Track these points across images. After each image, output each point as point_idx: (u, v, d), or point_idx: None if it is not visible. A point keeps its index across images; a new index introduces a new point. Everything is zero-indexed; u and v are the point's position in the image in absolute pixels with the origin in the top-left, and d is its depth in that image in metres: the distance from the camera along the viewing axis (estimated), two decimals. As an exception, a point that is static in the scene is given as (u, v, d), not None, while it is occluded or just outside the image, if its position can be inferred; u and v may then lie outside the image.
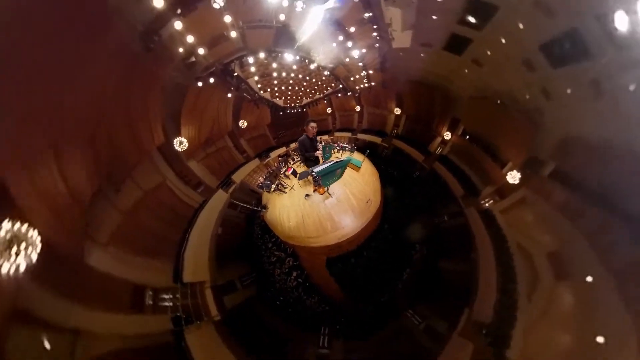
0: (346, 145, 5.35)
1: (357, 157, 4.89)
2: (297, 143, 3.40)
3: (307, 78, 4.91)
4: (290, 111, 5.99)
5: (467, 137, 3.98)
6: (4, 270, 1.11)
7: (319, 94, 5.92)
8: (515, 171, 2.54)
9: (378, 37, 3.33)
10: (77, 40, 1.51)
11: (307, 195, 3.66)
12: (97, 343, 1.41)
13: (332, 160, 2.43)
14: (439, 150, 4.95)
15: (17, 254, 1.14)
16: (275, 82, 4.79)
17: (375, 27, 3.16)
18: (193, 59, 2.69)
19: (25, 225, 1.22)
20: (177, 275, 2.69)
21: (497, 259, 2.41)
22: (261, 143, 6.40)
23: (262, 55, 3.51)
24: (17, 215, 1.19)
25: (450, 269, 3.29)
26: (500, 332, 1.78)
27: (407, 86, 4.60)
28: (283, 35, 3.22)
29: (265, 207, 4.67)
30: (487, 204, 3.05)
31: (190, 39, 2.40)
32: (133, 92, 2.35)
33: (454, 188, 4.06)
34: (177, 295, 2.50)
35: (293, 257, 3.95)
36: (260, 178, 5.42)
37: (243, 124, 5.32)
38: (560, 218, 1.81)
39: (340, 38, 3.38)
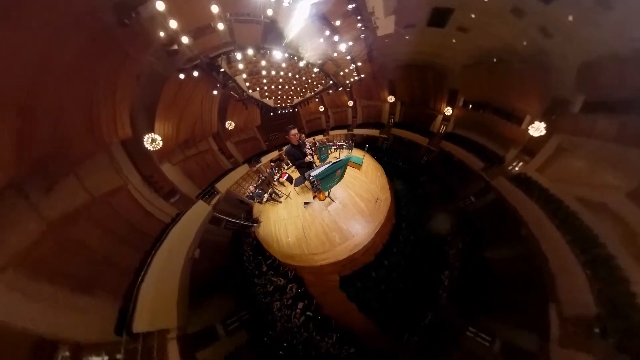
0: (343, 143, 5.42)
1: (357, 154, 4.88)
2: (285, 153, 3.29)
3: (297, 76, 5.32)
4: (281, 112, 6.21)
5: (470, 106, 4.19)
6: None
7: (310, 92, 6.35)
8: (537, 122, 2.48)
9: (363, 28, 3.87)
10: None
11: (306, 203, 3.33)
12: None
13: (330, 161, 2.26)
14: (442, 129, 5.13)
15: None
16: (265, 80, 5.08)
17: (359, 17, 3.70)
18: (175, 47, 2.75)
19: None
20: (122, 321, 1.89)
21: (560, 226, 2.04)
22: (251, 147, 6.27)
23: (250, 52, 3.79)
24: None
25: (502, 258, 2.73)
26: (627, 321, 1.25)
27: (397, 72, 5.13)
28: (271, 31, 3.59)
29: (257, 221, 4.15)
30: (516, 168, 2.85)
31: (173, 24, 2.47)
32: (98, 70, 2.16)
33: (471, 163, 3.92)
34: (118, 356, 1.67)
35: (296, 282, 3.20)
36: (251, 186, 5.07)
37: (230, 125, 5.27)
38: (619, 149, 1.63)
39: (327, 33, 3.87)
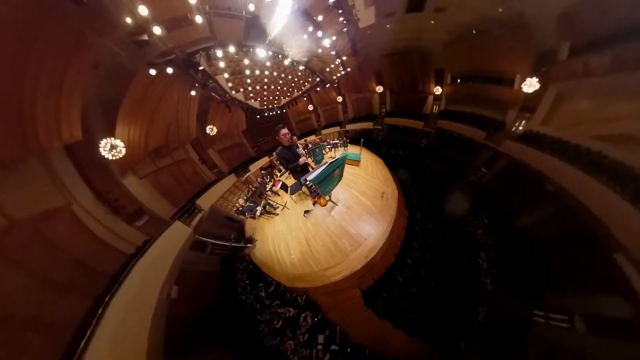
0: (337, 141, 5.46)
1: (353, 150, 4.92)
2: (276, 157, 3.13)
3: (283, 75, 5.49)
4: (268, 114, 6.17)
5: (459, 80, 4.64)
6: None
7: (297, 92, 6.54)
8: (528, 79, 2.75)
9: (345, 21, 4.29)
10: None
11: (306, 211, 3.04)
12: None
13: (326, 162, 2.17)
14: (435, 109, 5.56)
15: None
16: (249, 80, 5.11)
17: (340, 11, 4.11)
18: (145, 37, 2.57)
19: None
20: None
21: (587, 169, 2.07)
22: (237, 154, 5.94)
23: (232, 49, 3.83)
24: None
25: (537, 222, 2.66)
26: None
27: (382, 61, 5.63)
28: (254, 27, 3.72)
29: (251, 240, 3.66)
30: (520, 128, 3.04)
31: (143, 10, 2.33)
32: (38, 52, 1.78)
33: (472, 135, 4.13)
34: None
35: (310, 309, 2.68)
36: (240, 200, 4.62)
37: (212, 130, 4.98)
38: (620, 78, 1.79)
39: (310, 29, 4.18)
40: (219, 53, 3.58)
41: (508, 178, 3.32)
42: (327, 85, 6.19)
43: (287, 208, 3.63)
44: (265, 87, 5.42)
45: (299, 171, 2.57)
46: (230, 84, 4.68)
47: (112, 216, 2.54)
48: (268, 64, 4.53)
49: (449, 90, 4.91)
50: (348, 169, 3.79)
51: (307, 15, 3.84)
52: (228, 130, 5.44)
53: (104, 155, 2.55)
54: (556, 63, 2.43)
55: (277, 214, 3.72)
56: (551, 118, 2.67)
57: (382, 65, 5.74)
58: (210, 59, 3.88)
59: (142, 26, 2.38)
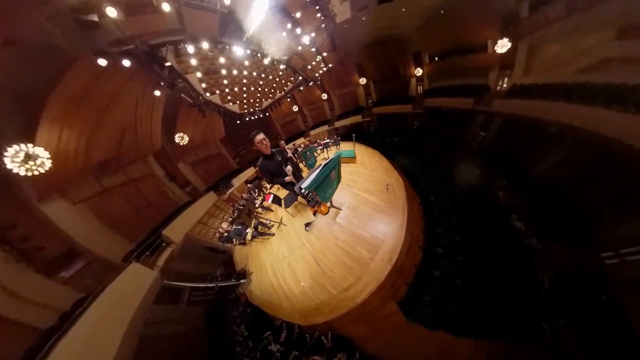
0: (328, 140, 5.50)
1: (347, 147, 4.98)
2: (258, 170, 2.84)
3: (263, 75, 5.54)
4: (249, 118, 5.94)
5: (436, 59, 5.43)
6: None
7: (280, 92, 6.62)
8: (499, 40, 3.41)
9: (322, 17, 4.75)
10: None
11: (307, 224, 2.74)
12: None
13: (320, 165, 2.05)
14: (420, 89, 6.30)
15: None
16: (226, 81, 4.94)
17: (317, 7, 4.56)
18: (95, 17, 2.20)
19: None
20: None
21: (581, 101, 2.36)
22: (216, 167, 5.30)
23: (205, 45, 3.72)
24: None
25: (554, 166, 2.86)
26: None
27: (362, 53, 6.36)
28: (230, 23, 3.76)
29: (244, 274, 3.00)
30: (504, 85, 3.58)
31: None
32: None
33: (460, 105, 4.63)
34: None
35: (342, 348, 2.12)
36: (224, 224, 3.92)
37: (182, 138, 4.40)
38: (578, 17, 2.20)
39: (289, 26, 4.48)
40: (190, 49, 3.43)
41: (509, 134, 3.75)
42: (310, 84, 6.51)
43: (284, 224, 3.23)
44: (245, 88, 5.36)
45: (292, 183, 2.26)
46: (203, 85, 4.46)
47: (14, 265, 1.70)
48: (246, 63, 4.55)
49: (430, 69, 5.82)
50: (345, 168, 3.68)
51: (285, 12, 4.14)
52: (203, 139, 4.95)
53: (11, 170, 1.82)
54: (520, 21, 3.12)
55: (273, 234, 3.24)
56: (530, 68, 3.29)
57: (362, 57, 6.50)
58: (180, 55, 3.69)
59: (91, 3, 2.08)
